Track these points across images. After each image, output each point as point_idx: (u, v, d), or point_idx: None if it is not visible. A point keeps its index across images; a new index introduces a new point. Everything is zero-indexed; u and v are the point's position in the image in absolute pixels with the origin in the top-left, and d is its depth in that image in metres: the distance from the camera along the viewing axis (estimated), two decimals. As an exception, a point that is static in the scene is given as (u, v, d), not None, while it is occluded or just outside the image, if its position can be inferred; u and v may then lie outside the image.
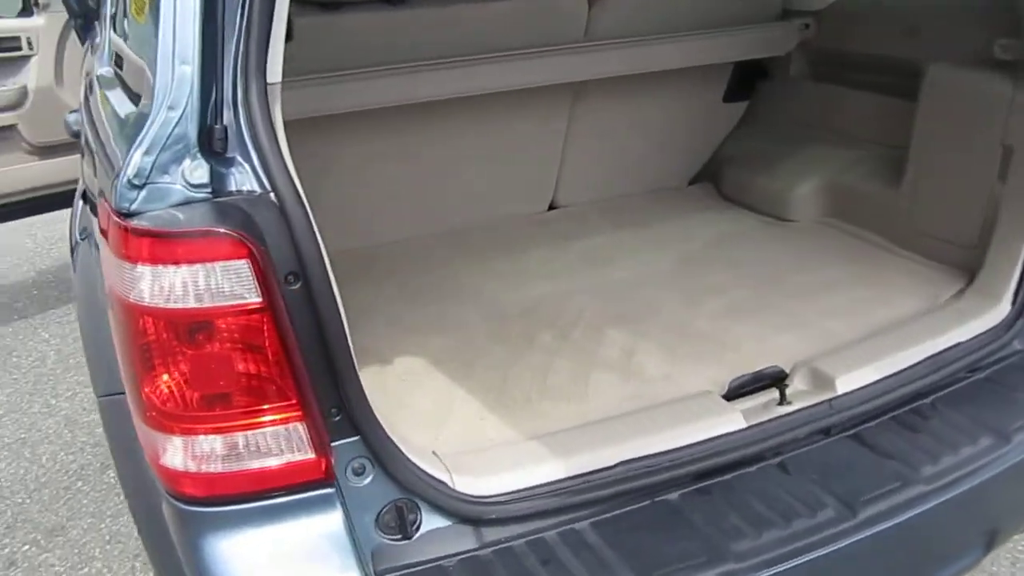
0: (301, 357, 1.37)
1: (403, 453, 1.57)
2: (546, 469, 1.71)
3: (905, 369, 2.06)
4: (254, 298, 1.28)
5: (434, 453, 1.72)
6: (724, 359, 2.16)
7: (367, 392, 1.47)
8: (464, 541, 1.62)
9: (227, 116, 1.33)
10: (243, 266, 1.26)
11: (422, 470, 1.59)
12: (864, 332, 2.24)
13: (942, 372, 2.08)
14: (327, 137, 2.69)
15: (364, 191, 2.87)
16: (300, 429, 1.36)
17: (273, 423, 1.35)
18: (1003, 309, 2.24)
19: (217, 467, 1.35)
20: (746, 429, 1.85)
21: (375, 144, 2.78)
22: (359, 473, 1.55)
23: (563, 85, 2.92)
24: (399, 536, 1.58)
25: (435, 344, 2.29)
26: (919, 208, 2.68)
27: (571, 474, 1.71)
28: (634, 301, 2.51)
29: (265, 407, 1.33)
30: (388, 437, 1.54)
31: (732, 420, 1.86)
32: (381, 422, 1.53)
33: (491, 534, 1.64)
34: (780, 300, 2.46)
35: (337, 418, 1.47)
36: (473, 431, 1.89)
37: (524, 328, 2.37)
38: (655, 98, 3.22)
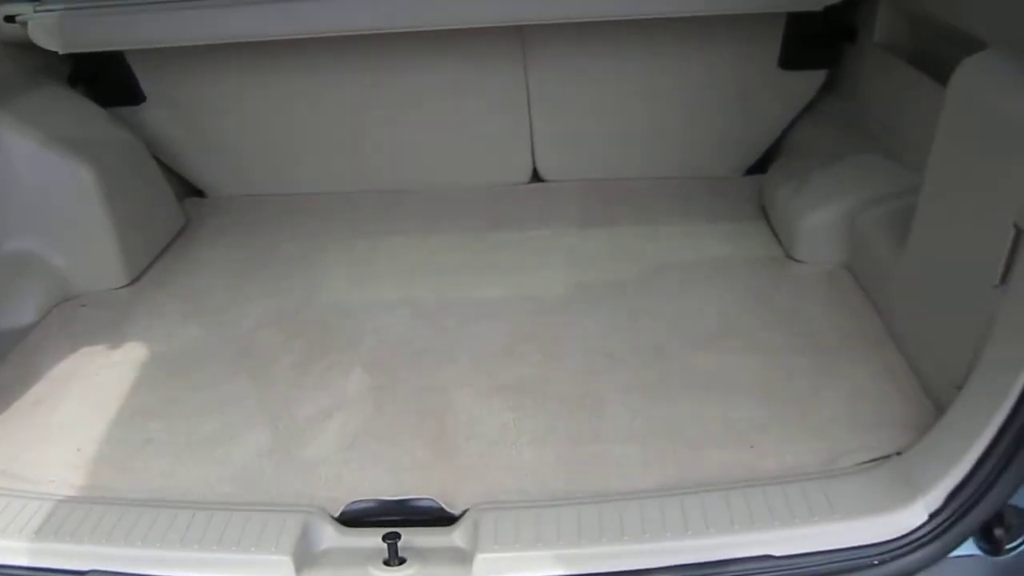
0: None
1: None
2: (15, 545, 1.38)
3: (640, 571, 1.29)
4: None
5: None
6: (414, 460, 1.53)
7: None
8: None
9: None
10: None
11: None
12: (661, 484, 1.44)
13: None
14: (230, 69, 2.40)
15: (269, 134, 2.54)
16: None
17: None
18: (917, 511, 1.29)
19: None
20: None
21: (270, 80, 2.42)
22: None
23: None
24: None
25: (187, 336, 1.95)
26: (907, 297, 1.65)
27: (34, 565, 1.37)
28: (449, 337, 1.89)
29: None
30: None
31: (273, 565, 1.32)
32: None
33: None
34: (620, 390, 1.66)
35: None
36: (52, 463, 1.57)
37: (283, 344, 1.89)
38: (671, 55, 2.34)
